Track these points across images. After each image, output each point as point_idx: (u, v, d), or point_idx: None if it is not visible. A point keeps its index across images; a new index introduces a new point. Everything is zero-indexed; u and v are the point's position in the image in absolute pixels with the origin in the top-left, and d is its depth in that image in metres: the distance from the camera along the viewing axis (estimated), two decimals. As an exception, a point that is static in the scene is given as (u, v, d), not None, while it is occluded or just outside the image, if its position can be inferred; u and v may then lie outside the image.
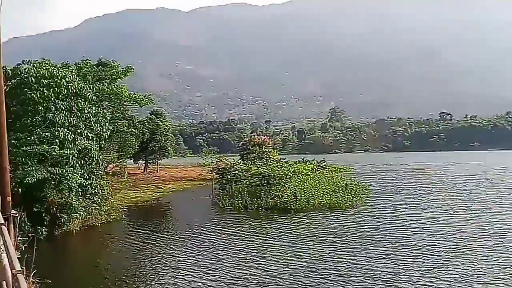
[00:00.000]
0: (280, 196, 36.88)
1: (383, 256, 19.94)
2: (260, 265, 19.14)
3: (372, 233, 25.25)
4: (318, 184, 42.94)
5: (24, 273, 3.87)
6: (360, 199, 38.74)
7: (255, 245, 23.33)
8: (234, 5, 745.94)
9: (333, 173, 61.88)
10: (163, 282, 17.56)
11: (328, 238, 24.22)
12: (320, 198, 36.47)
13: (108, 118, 40.97)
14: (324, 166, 66.71)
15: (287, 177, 40.02)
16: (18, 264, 4.30)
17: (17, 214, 11.60)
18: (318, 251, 21.32)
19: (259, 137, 71.48)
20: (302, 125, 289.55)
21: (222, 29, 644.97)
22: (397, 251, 20.90)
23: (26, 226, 20.94)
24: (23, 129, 28.40)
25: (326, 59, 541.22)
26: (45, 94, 28.90)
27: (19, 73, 30.44)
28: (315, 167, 59.47)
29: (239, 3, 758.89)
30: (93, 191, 30.60)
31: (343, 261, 19.27)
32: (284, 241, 23.96)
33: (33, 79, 29.33)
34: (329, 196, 37.49)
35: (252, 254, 21.31)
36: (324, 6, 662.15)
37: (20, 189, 24.30)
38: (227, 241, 24.64)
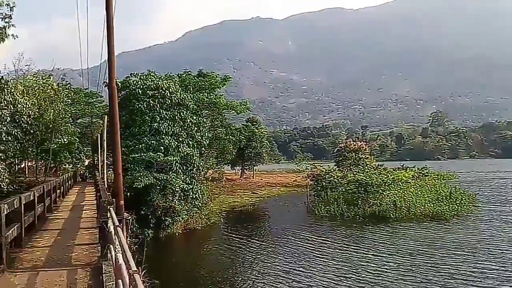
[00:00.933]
0: (379, 204, 35.75)
1: (487, 272, 18.42)
2: (352, 275, 18.67)
3: (477, 247, 23.49)
4: (419, 192, 40.95)
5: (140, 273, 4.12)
6: (466, 209, 36.25)
7: (349, 254, 22.84)
8: (328, 10, 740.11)
9: (436, 180, 58.52)
10: (253, 286, 17.89)
11: (428, 250, 22.98)
12: (422, 207, 34.76)
13: (208, 126, 42.81)
14: (426, 174, 63.46)
15: (386, 184, 38.62)
16: (134, 264, 4.61)
17: (129, 217, 12.51)
18: (414, 263, 20.36)
19: (355, 143, 69.76)
20: (401, 130, 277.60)
21: (315, 35, 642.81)
22: (504, 267, 19.16)
23: (134, 228, 22.46)
24: (131, 137, 30.65)
25: (426, 60, 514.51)
26: (151, 104, 30.96)
27: (127, 85, 32.92)
28: (416, 174, 56.78)
29: (333, 8, 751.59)
30: (194, 196, 32.03)
31: (440, 276, 18.12)
32: (380, 252, 23.17)
33: (140, 91, 31.59)
34: (431, 205, 35.60)
35: (345, 263, 20.88)
36: (423, 5, 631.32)
37: (128, 193, 26.16)
38: (321, 249, 24.40)
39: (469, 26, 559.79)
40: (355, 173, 43.51)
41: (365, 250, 23.73)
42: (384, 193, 37.88)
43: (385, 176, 40.60)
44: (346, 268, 19.86)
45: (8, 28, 22.24)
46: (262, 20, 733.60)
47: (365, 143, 79.19)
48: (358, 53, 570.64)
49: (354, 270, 19.42)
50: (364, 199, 37.16)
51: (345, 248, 24.36)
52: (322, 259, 21.87)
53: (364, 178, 39.27)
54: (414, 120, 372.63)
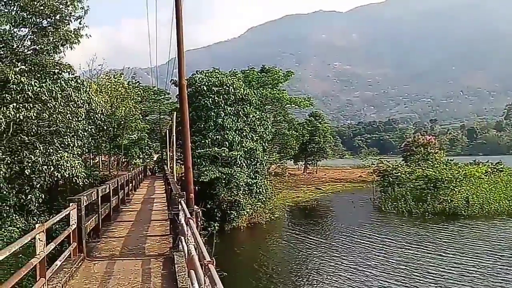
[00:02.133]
0: (449, 201, 34.20)
1: None
2: (413, 277, 18.00)
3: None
4: (494, 189, 38.66)
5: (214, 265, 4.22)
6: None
7: (417, 253, 22.02)
8: (393, 2, 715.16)
9: (512, 176, 55.00)
10: (312, 282, 17.80)
11: (503, 250, 21.74)
12: (497, 204, 32.90)
13: (271, 121, 43.02)
14: (501, 169, 59.80)
15: (457, 180, 36.79)
16: (208, 255, 4.73)
17: (199, 210, 12.89)
18: (487, 263, 19.31)
19: (423, 137, 67.20)
20: (473, 124, 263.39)
21: (380, 26, 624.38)
22: None
23: (201, 221, 23.05)
24: (197, 133, 31.46)
25: (499, 49, 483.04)
26: (216, 100, 31.62)
27: (193, 82, 33.81)
28: (489, 169, 53.60)
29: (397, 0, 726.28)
30: (258, 190, 32.36)
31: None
32: (451, 251, 22.17)
33: (205, 87, 32.35)
34: (507, 202, 33.56)
35: (408, 263, 20.11)
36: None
37: (195, 187, 26.88)
38: (387, 247, 23.71)
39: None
40: (423, 168, 41.87)
41: (434, 249, 22.82)
42: (455, 189, 36.15)
43: (456, 172, 38.72)
44: (412, 268, 19.18)
45: (82, 29, 23.55)
46: (325, 13, 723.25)
47: (434, 137, 76.09)
48: (425, 44, 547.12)
49: (421, 270, 18.74)
50: (433, 196, 35.71)
51: (413, 247, 23.54)
52: (387, 258, 21.25)
53: (433, 173, 37.71)
54: (487, 113, 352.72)
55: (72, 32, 22.93)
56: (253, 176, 31.94)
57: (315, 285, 17.55)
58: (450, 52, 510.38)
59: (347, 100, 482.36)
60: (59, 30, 22.32)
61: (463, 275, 17.75)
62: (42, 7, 20.73)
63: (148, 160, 52.50)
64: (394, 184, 41.95)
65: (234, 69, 47.61)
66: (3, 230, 16.58)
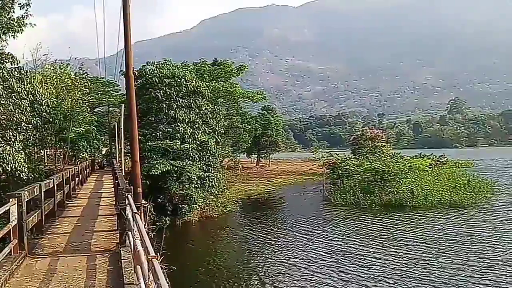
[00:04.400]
0: (395, 193, 35.53)
1: (505, 259, 18.28)
2: (366, 264, 18.65)
3: (493, 235, 23.27)
4: (437, 181, 40.57)
5: (159, 260, 4.16)
6: (485, 197, 35.87)
7: (363, 243, 22.77)
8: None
9: (454, 169, 57.82)
10: (264, 274, 18.08)
11: (444, 238, 22.85)
12: (439, 195, 34.46)
13: (223, 114, 42.90)
14: (444, 162, 62.76)
15: (403, 172, 38.26)
16: (152, 250, 4.67)
17: (147, 204, 12.67)
18: (430, 251, 20.26)
19: (371, 131, 69.16)
20: (418, 118, 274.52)
21: (332, 22, 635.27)
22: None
23: (152, 216, 22.71)
24: (148, 125, 30.89)
25: (445, 47, 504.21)
26: (167, 92, 31.12)
27: (144, 73, 33.16)
28: (433, 162, 56.16)
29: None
30: (211, 184, 32.22)
31: (456, 265, 18.01)
32: (396, 240, 23.11)
33: (157, 79, 31.78)
34: (449, 193, 35.25)
35: (359, 253, 20.78)
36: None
37: (146, 181, 26.42)
38: (335, 238, 24.36)
39: (490, 13, 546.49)
40: (371, 161, 43.20)
41: (380, 238, 23.67)
42: (401, 181, 37.59)
43: (402, 164, 40.23)
44: (360, 258, 19.81)
45: (26, 17, 22.47)
46: (277, 7, 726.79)
47: (381, 131, 78.65)
48: (376, 40, 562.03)
49: (368, 259, 19.39)
50: (380, 187, 36.95)
51: (360, 237, 24.31)
52: (335, 248, 21.85)
53: (380, 166, 38.98)
54: (432, 107, 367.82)
55: (15, 20, 21.85)
56: (206, 169, 31.73)
57: (265, 278, 17.72)
58: (399, 49, 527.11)
59: (298, 94, 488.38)
60: (0, 18, 21.20)
61: (412, 261, 18.51)
62: (-21, -8, 19.63)
63: (96, 154, 51.00)
64: (343, 176, 43.06)
65: (186, 61, 47.10)
66: None
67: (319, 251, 21.20)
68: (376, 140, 61.52)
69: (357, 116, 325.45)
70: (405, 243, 22.21)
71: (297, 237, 24.88)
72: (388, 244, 22.19)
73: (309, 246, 22.41)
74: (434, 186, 37.38)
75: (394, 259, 19.16)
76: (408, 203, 33.59)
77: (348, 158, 48.11)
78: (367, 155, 53.28)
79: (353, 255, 20.27)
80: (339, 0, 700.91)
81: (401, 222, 28.30)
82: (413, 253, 20.11)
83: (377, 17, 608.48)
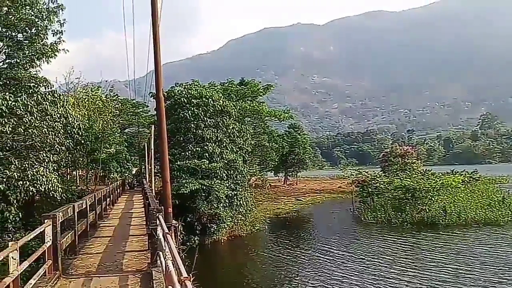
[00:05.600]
0: (427, 211, 34.73)
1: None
2: (400, 283, 18.16)
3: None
4: (470, 198, 39.41)
5: (191, 281, 4.16)
6: (521, 214, 34.67)
7: (397, 262, 22.25)
8: (371, 14, 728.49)
9: (488, 185, 56.12)
10: None
11: (480, 256, 22.10)
12: (473, 213, 33.49)
13: (251, 133, 43.07)
14: (477, 178, 60.99)
15: (434, 190, 37.38)
16: (185, 271, 4.68)
17: (177, 224, 12.75)
18: (466, 269, 19.61)
19: (401, 147, 68.20)
20: (449, 134, 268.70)
21: (357, 39, 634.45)
22: None
23: (181, 235, 22.80)
24: (177, 145, 31.29)
25: (475, 62, 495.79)
26: (195, 112, 31.55)
27: (173, 94, 33.72)
28: (466, 178, 54.61)
29: (375, 11, 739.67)
30: (239, 202, 32.22)
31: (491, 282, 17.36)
32: (430, 259, 22.47)
33: (185, 100, 32.29)
34: (483, 210, 34.22)
35: (392, 272, 20.31)
36: (471, 5, 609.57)
37: (175, 201, 26.62)
38: (367, 257, 23.84)
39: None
40: (402, 178, 42.44)
41: (414, 257, 23.08)
42: (433, 199, 36.74)
43: (433, 181, 39.34)
44: (393, 277, 19.33)
45: (60, 43, 23.33)
46: (303, 26, 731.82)
47: (411, 147, 77.30)
48: (403, 56, 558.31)
49: (402, 278, 18.90)
50: (412, 205, 36.20)
51: (393, 256, 23.76)
52: (368, 268, 21.38)
53: (411, 183, 38.22)
54: (463, 123, 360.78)
55: (49, 46, 22.71)
56: (234, 188, 31.80)
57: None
58: (426, 64, 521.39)
59: (325, 111, 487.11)
60: (35, 44, 22.07)
61: (448, 280, 17.95)
62: (17, 21, 20.49)
63: (126, 174, 51.82)
64: (373, 194, 42.39)
65: (213, 82, 47.72)
66: (-25, 248, 16.12)
67: (350, 273, 20.76)
68: (406, 157, 60.56)
69: (386, 132, 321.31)
70: (440, 262, 21.58)
71: (328, 257, 24.45)
72: (422, 264, 21.59)
73: (340, 267, 22.00)
74: (467, 203, 36.35)
75: (425, 278, 18.62)
76: (440, 221, 32.77)
77: (377, 175, 47.38)
78: (397, 172, 52.47)
79: (386, 277, 19.79)
80: (364, 17, 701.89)
81: (434, 240, 27.53)
82: (445, 273, 19.51)
83: (402, 33, 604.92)
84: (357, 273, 20.36)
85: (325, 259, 23.91)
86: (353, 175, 48.95)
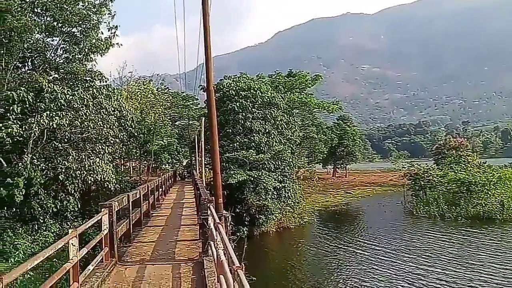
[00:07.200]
0: (483, 205, 33.28)
1: None
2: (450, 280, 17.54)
3: None
4: (531, 192, 37.44)
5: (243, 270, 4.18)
6: None
7: (450, 258, 21.50)
8: (423, 2, 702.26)
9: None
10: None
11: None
12: (534, 208, 31.80)
13: (299, 125, 42.85)
14: (538, 171, 57.79)
15: (491, 183, 35.77)
16: (237, 260, 4.71)
17: (227, 214, 12.92)
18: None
19: (455, 139, 65.71)
20: (507, 125, 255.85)
21: (408, 28, 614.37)
22: None
23: (230, 226, 23.09)
24: (225, 137, 31.63)
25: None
26: (244, 104, 31.76)
27: (221, 87, 34.08)
28: (525, 172, 51.93)
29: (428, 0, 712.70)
30: (287, 194, 32.24)
31: None
32: (486, 256, 21.52)
33: (233, 92, 32.56)
34: (545, 205, 32.41)
35: (445, 268, 19.63)
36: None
37: (224, 191, 26.95)
38: (419, 252, 23.20)
39: None
40: (456, 171, 40.90)
41: (468, 254, 22.23)
42: (490, 193, 35.12)
43: (490, 175, 37.62)
44: (445, 273, 18.70)
45: (113, 38, 24.10)
46: (352, 15, 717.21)
47: (466, 139, 74.35)
48: (456, 45, 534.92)
49: (454, 275, 18.26)
50: (467, 199, 34.82)
51: (446, 251, 22.99)
52: (418, 263, 20.79)
53: (466, 176, 36.79)
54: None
55: (103, 41, 23.52)
56: (281, 180, 31.83)
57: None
58: (481, 53, 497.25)
59: (376, 103, 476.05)
60: (89, 37, 22.90)
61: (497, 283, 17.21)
62: (71, 16, 21.29)
63: (177, 165, 53.02)
64: (426, 187, 41.14)
65: (261, 74, 47.72)
66: (38, 235, 17.05)
67: (400, 268, 20.27)
68: (461, 149, 58.29)
69: (439, 124, 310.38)
70: (494, 259, 20.68)
71: (377, 252, 24.03)
72: (474, 260, 20.77)
73: (391, 262, 21.53)
74: (528, 198, 34.57)
75: (479, 276, 17.89)
76: (497, 216, 31.36)
77: (430, 168, 45.88)
78: (451, 165, 50.53)
79: (437, 271, 19.20)
80: (415, 6, 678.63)
81: (490, 236, 26.40)
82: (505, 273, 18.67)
83: (454, 21, 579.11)
84: (408, 271, 19.85)
85: (376, 254, 23.46)
86: (404, 167, 47.62)
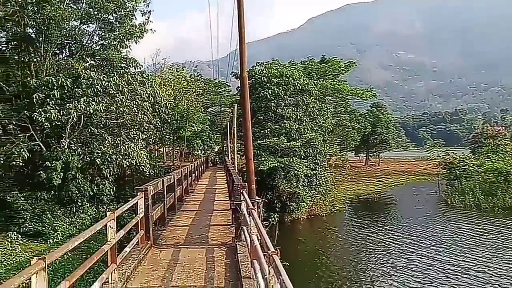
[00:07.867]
0: (522, 195, 32.35)
1: None
2: (483, 273, 17.11)
3: None
4: None
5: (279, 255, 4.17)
6: None
7: (485, 249, 20.98)
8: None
9: None
10: (371, 276, 17.51)
11: None
12: None
13: (331, 112, 42.43)
14: None
15: (531, 173, 34.69)
16: (271, 245, 4.71)
17: (260, 200, 12.98)
18: None
19: (493, 128, 63.66)
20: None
21: (445, 14, 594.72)
22: None
23: (261, 212, 23.22)
24: (257, 124, 31.66)
25: None
26: (276, 91, 31.65)
27: (253, 74, 34.04)
28: None
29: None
30: (318, 182, 32.12)
31: None
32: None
33: (265, 79, 32.49)
34: None
35: (479, 259, 19.17)
36: None
37: (256, 178, 27.04)
38: (453, 242, 22.74)
39: None
40: (493, 161, 39.74)
41: (504, 245, 21.64)
42: (530, 183, 34.10)
43: (530, 165, 36.48)
44: (479, 265, 18.27)
45: (147, 24, 24.39)
46: (387, 1, 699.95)
47: (504, 128, 71.84)
48: (494, 31, 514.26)
49: (487, 268, 17.82)
50: (504, 190, 33.90)
51: (481, 242, 22.46)
52: (453, 254, 20.38)
53: (504, 166, 35.76)
54: None
55: (137, 27, 23.82)
56: (313, 167, 31.71)
57: (376, 280, 17.18)
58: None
59: (411, 90, 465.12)
60: (124, 24, 23.24)
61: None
62: (107, 3, 21.62)
63: (209, 151, 53.53)
64: (461, 177, 40.17)
65: (293, 60, 47.35)
66: (76, 217, 17.62)
67: (432, 259, 19.94)
68: (499, 138, 56.47)
69: (477, 112, 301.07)
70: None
71: (409, 241, 23.69)
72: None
73: (424, 252, 21.22)
74: None
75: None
76: (538, 207, 30.42)
77: (467, 157, 44.71)
78: (488, 154, 49.07)
79: (466, 262, 18.79)
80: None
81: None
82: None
83: (493, 7, 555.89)
84: (443, 260, 19.51)
85: (408, 243, 23.17)
86: (439, 156, 46.57)
